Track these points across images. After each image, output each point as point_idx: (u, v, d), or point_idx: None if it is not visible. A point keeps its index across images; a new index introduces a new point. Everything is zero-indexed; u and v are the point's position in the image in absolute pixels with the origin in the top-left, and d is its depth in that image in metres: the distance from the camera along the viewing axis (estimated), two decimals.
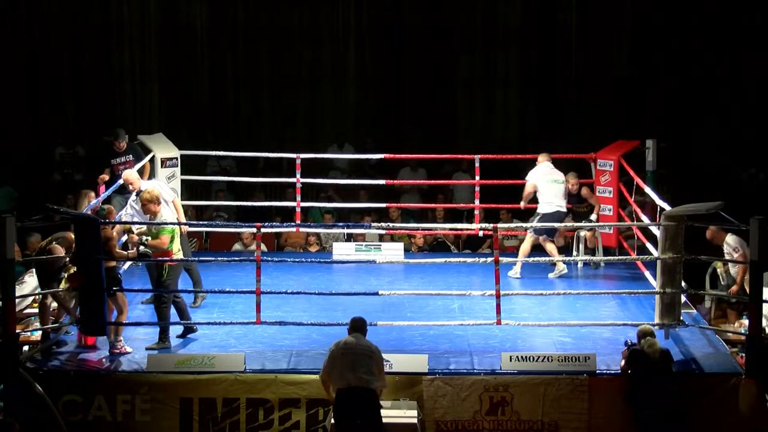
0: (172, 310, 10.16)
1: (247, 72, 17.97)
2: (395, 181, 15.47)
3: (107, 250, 9.68)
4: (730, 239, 11.18)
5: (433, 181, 15.76)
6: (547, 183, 12.32)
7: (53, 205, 10.03)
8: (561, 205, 12.31)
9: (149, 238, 9.94)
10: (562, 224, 12.58)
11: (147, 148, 12.70)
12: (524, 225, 12.28)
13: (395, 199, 15.39)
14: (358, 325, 8.87)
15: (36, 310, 11.04)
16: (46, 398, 9.17)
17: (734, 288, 11.26)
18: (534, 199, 12.48)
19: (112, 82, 17.77)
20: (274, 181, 14.94)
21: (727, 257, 11.19)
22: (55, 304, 10.39)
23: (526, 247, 12.32)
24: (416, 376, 9.39)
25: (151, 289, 10.25)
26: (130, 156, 12.45)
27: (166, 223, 9.99)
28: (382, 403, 8.95)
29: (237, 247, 14.04)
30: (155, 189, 10.25)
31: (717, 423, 9.35)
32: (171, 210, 10.57)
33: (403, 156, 15.00)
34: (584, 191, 12.68)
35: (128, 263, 11.51)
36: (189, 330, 10.26)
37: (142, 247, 9.91)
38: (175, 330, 10.17)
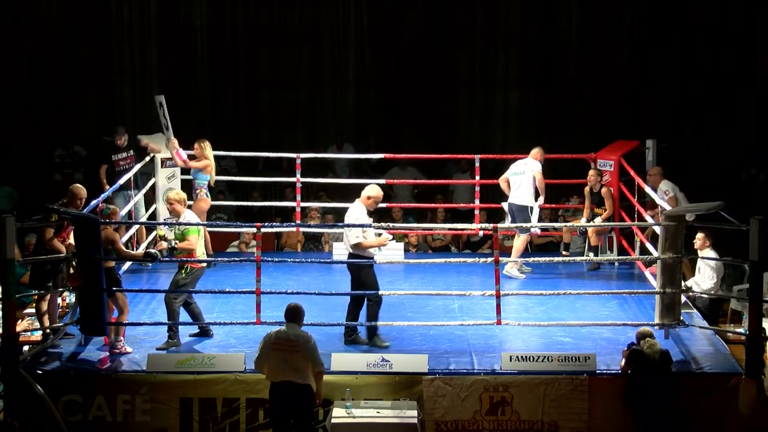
0: (185, 314, 10.19)
1: (247, 72, 17.95)
2: (395, 181, 15.45)
3: (111, 250, 9.68)
4: (664, 184, 12.13)
5: (433, 181, 15.74)
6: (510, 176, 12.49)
7: (53, 205, 10.02)
8: (514, 196, 12.37)
9: (177, 241, 9.96)
10: (564, 224, 12.56)
11: None
12: (524, 225, 12.27)
13: (387, 199, 15.32)
14: (292, 315, 8.89)
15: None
16: (46, 398, 9.17)
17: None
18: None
19: (112, 82, 17.75)
20: (274, 181, 14.92)
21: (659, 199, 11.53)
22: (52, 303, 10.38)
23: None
24: (416, 376, 9.40)
25: (151, 290, 10.23)
26: (131, 152, 12.48)
27: (190, 224, 10.00)
28: (381, 402, 9.01)
29: (232, 249, 13.96)
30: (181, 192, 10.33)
31: (717, 423, 9.35)
32: (193, 214, 10.49)
33: (402, 156, 14.98)
34: (603, 191, 12.63)
35: (127, 264, 11.54)
36: (205, 333, 10.26)
37: (170, 246, 9.92)
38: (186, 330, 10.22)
